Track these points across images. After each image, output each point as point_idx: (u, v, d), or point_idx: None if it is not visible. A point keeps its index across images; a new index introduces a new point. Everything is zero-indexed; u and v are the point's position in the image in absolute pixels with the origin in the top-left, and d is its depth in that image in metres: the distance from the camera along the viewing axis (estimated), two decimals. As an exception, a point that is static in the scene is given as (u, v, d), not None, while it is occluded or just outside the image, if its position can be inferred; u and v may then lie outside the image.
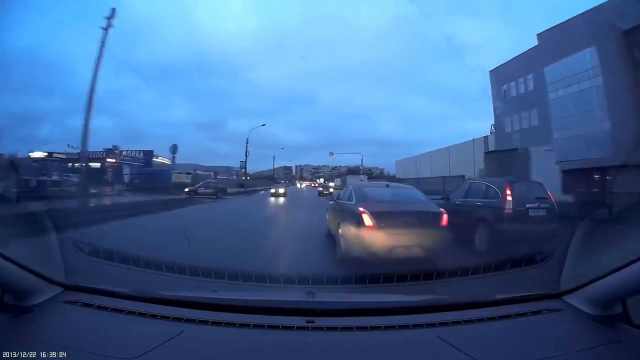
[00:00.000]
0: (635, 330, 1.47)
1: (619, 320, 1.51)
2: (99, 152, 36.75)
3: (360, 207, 5.40)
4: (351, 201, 6.14)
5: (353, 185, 7.46)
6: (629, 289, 1.46)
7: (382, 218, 5.12)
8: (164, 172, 30.73)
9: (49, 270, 1.78)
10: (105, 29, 13.70)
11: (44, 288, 1.68)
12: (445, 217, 5.46)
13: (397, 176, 56.81)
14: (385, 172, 66.79)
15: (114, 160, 35.82)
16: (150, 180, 27.01)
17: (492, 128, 35.85)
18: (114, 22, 13.73)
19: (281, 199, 24.87)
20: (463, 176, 27.68)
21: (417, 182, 43.45)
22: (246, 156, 38.28)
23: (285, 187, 30.54)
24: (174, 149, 21.72)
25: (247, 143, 37.44)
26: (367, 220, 5.11)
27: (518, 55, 28.72)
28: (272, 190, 29.05)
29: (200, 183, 26.20)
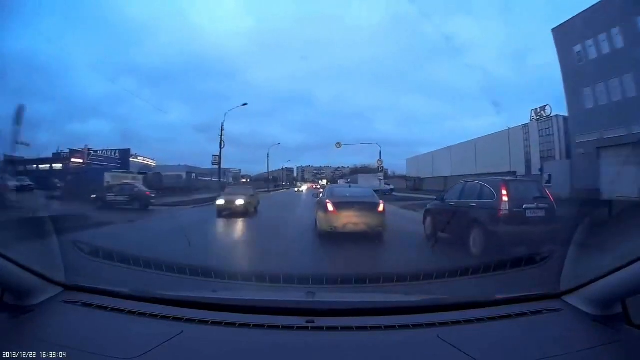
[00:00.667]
0: (635, 330, 1.47)
1: (619, 320, 1.51)
2: (64, 152, 30.10)
3: (328, 199, 8.42)
4: (324, 196, 9.15)
5: (328, 186, 10.97)
6: (629, 289, 1.46)
7: (340, 206, 8.10)
8: (95, 171, 24.19)
9: (49, 270, 1.78)
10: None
11: (44, 288, 1.69)
12: (381, 206, 8.40)
13: (409, 175, 50.77)
14: (391, 172, 59.99)
15: (80, 161, 28.58)
16: (84, 183, 20.18)
17: (534, 114, 30.25)
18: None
19: (239, 224, 11.88)
20: (514, 172, 21.50)
21: (445, 181, 31.94)
22: (220, 148, 27.08)
23: (249, 195, 15.00)
24: (18, 115, 11.26)
25: (222, 129, 25.70)
26: (330, 207, 8.10)
27: (594, 5, 20.80)
28: (220, 202, 14.01)
29: (114, 186, 18.03)
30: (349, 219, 7.90)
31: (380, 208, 8.31)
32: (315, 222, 9.08)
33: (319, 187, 48.26)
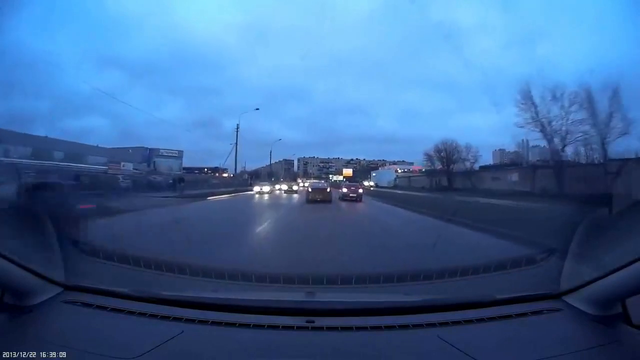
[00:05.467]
0: (635, 330, 1.47)
1: (618, 320, 1.52)
2: None
3: (308, 188, 21.21)
4: (307, 187, 22.30)
5: (310, 183, 26.61)
6: (629, 289, 1.46)
7: (313, 189, 20.07)
8: None
9: (49, 270, 1.78)
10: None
11: (44, 288, 1.69)
12: (329, 189, 19.98)
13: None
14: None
15: None
16: None
17: None
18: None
19: None
20: None
21: None
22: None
23: None
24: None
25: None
26: (310, 190, 20.15)
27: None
28: None
29: None
30: (316, 195, 18.83)
31: (328, 190, 19.50)
32: (306, 196, 19.99)
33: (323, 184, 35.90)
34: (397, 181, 44.74)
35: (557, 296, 1.77)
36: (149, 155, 42.14)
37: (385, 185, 42.33)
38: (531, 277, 2.96)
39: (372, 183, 45.27)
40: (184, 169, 45.14)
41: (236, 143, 29.05)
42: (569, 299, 1.70)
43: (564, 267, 2.13)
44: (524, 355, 1.39)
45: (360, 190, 21.84)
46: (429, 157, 35.63)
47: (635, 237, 2.05)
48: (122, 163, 33.15)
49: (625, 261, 1.41)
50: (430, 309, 1.75)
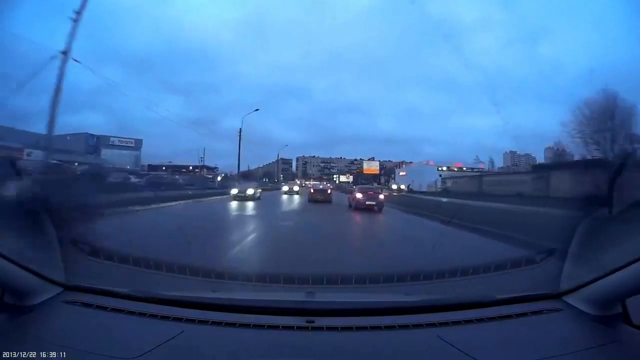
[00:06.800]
0: (635, 330, 1.47)
1: (618, 320, 1.52)
2: None
3: (310, 189, 23.49)
4: (310, 189, 23.57)
5: (312, 185, 27.17)
6: (629, 289, 1.46)
7: (315, 191, 21.70)
8: None
9: (48, 270, 1.78)
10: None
11: (44, 288, 1.69)
12: (330, 190, 21.89)
13: None
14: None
15: None
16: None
17: None
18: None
19: None
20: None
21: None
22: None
23: None
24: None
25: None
26: (311, 191, 22.06)
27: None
28: None
29: None
30: (318, 196, 20.39)
31: (329, 191, 21.29)
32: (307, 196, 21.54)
33: (324, 187, 23.93)
34: (448, 183, 28.55)
35: (557, 296, 1.77)
36: (96, 144, 33.87)
37: (425, 189, 28.41)
38: (531, 277, 2.96)
39: (402, 186, 31.24)
40: (172, 166, 39.20)
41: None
42: (569, 299, 1.70)
43: (564, 267, 2.13)
44: (524, 355, 1.39)
45: (382, 196, 15.99)
46: (580, 127, 15.55)
47: (635, 237, 2.04)
48: (26, 150, 24.98)
49: (625, 261, 1.41)
50: (430, 309, 1.75)
